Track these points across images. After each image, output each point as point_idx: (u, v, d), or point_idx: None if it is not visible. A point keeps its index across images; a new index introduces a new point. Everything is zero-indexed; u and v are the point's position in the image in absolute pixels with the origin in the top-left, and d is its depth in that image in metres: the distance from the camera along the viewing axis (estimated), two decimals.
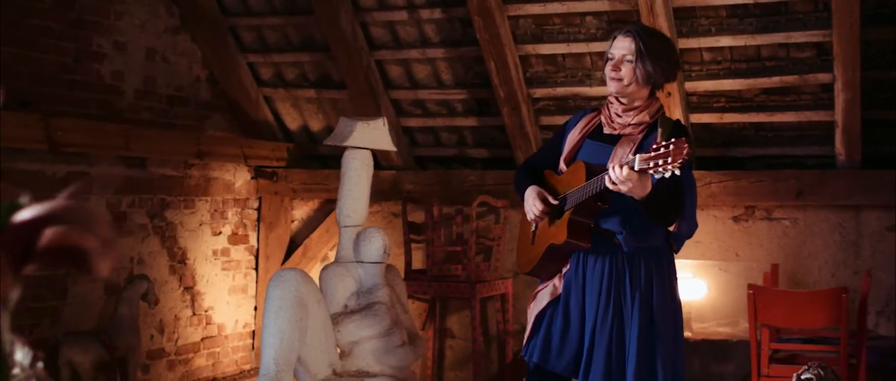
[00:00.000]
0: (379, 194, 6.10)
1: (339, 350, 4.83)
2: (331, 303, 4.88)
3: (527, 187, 3.39)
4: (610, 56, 3.28)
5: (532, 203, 3.33)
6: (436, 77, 5.92)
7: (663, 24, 4.95)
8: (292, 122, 6.49)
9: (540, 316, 3.39)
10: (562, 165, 3.39)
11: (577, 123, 3.46)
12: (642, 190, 2.99)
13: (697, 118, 5.48)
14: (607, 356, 3.26)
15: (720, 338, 5.02)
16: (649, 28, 3.69)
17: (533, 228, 3.46)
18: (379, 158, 6.18)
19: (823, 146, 5.37)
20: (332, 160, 6.40)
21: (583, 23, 5.36)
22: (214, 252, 6.12)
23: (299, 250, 6.47)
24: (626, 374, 3.25)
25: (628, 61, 3.22)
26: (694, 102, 5.47)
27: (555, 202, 3.31)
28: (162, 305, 5.68)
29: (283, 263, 6.45)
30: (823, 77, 5.08)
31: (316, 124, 6.45)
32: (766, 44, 5.10)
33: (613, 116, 3.33)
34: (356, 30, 5.68)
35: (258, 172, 6.41)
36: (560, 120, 5.75)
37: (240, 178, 6.30)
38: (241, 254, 6.35)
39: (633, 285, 3.26)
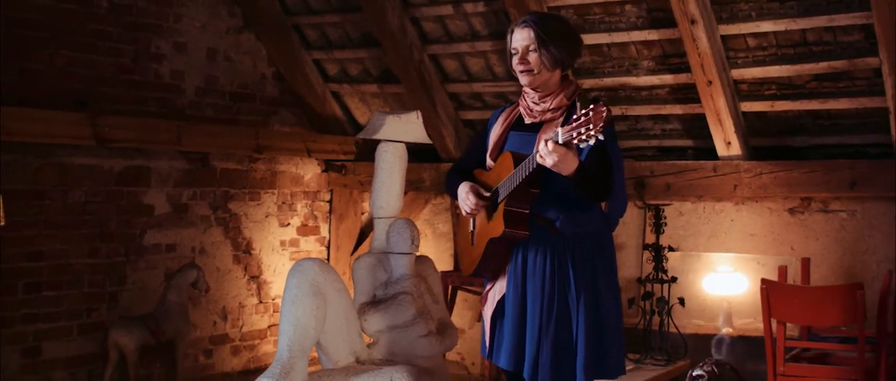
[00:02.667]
0: (439, 186, 6.19)
1: (368, 339, 4.95)
2: (360, 293, 5.01)
3: (458, 187, 3.41)
4: (513, 50, 3.29)
5: (465, 198, 3.34)
6: (489, 70, 5.95)
7: (693, 10, 4.82)
8: (361, 116, 6.66)
9: (494, 317, 3.40)
10: (489, 161, 3.40)
11: (498, 118, 3.47)
12: (570, 164, 3.00)
13: (748, 107, 5.29)
14: (555, 346, 3.24)
15: (758, 335, 4.84)
16: (542, 13, 3.67)
17: (471, 228, 3.47)
18: (440, 151, 6.28)
19: (884, 134, 5.08)
20: (420, 153, 6.50)
21: (623, 12, 5.27)
22: (282, 243, 6.36)
23: (368, 241, 6.63)
24: (577, 363, 3.23)
25: (532, 50, 3.23)
26: (744, 91, 5.28)
27: (487, 195, 3.32)
28: (225, 293, 5.96)
29: (352, 253, 6.64)
30: (874, 61, 4.81)
31: None
32: (809, 28, 4.88)
33: (531, 105, 3.33)
34: (405, 25, 5.78)
35: (329, 166, 6.61)
36: (612, 110, 5.68)
37: (309, 171, 6.52)
38: (311, 245, 6.57)
39: (577, 273, 3.24)
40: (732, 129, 5.26)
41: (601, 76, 5.58)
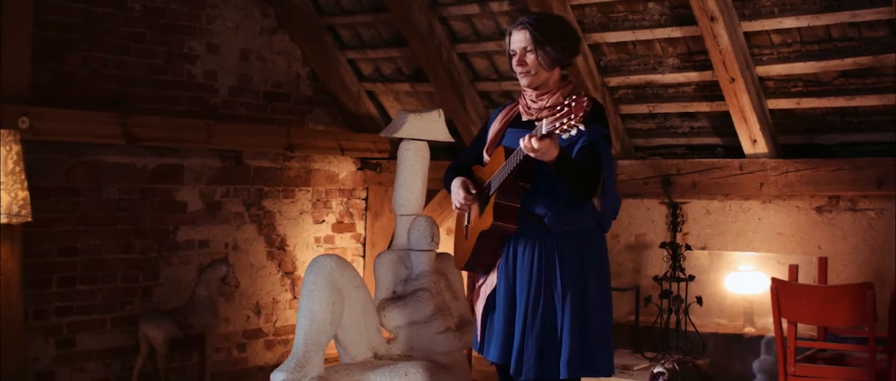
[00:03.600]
0: None
1: (388, 335, 5.02)
2: (381, 289, 5.09)
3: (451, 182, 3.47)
4: (511, 52, 3.35)
5: (456, 192, 3.40)
6: None
7: (713, 7, 4.78)
8: (396, 114, 6.73)
9: (485, 311, 3.44)
10: (485, 157, 3.45)
11: (498, 115, 3.52)
12: (551, 152, 3.05)
13: (775, 104, 5.23)
14: (540, 343, 3.27)
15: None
16: (539, 13, 3.70)
17: (466, 222, 3.52)
18: None
19: None
20: (454, 150, 6.56)
21: (646, 9, 5.24)
22: (317, 239, 6.47)
23: None
24: (559, 362, 3.25)
25: (529, 51, 3.28)
26: (771, 88, 5.22)
27: (474, 191, 3.37)
28: (259, 288, 6.09)
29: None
30: None
31: None
32: (833, 23, 4.80)
33: (529, 103, 3.39)
34: (433, 24, 5.84)
35: (364, 164, 6.70)
36: (640, 108, 5.69)
37: (344, 169, 6.62)
38: (346, 241, 6.67)
39: (563, 270, 3.27)
40: (757, 126, 5.20)
41: (627, 74, 5.56)
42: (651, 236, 5.70)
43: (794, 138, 5.38)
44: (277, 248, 6.22)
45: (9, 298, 4.72)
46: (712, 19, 4.86)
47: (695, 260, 5.42)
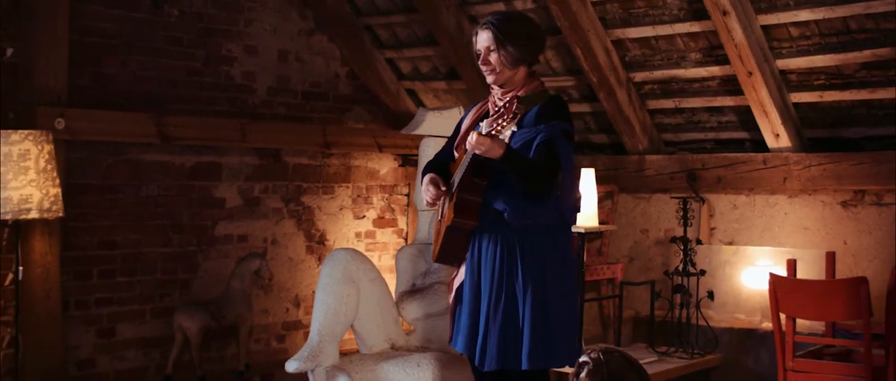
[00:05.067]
0: None
1: (408, 327, 5.15)
2: (401, 282, 5.22)
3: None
4: (476, 52, 3.44)
5: (425, 189, 3.52)
6: (547, 64, 6.03)
7: (725, 2, 4.77)
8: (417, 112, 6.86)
9: (455, 304, 3.55)
10: (455, 153, 3.55)
11: (469, 112, 3.61)
12: (496, 150, 3.20)
13: (798, 98, 5.19)
14: (502, 335, 3.37)
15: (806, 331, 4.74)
16: (505, 13, 3.78)
17: (439, 217, 3.63)
18: None
19: None
20: None
21: (665, 4, 5.25)
22: (357, 234, 6.65)
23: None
24: (521, 353, 3.34)
25: (492, 51, 3.38)
26: (794, 81, 5.18)
27: (443, 187, 3.48)
28: (298, 281, 6.30)
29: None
30: None
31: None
32: (849, 15, 4.74)
33: (496, 100, 3.49)
34: (462, 23, 5.94)
35: (405, 161, 6.85)
36: (666, 103, 5.70)
37: (384, 166, 6.78)
38: (388, 237, 6.83)
39: (524, 263, 3.35)
40: (779, 120, 5.16)
41: (651, 69, 5.57)
42: (679, 231, 5.69)
43: (819, 132, 5.32)
44: (317, 242, 6.41)
45: (47, 289, 5.01)
46: (725, 14, 4.85)
47: (721, 255, 5.40)
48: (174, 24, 5.70)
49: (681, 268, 4.90)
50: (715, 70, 5.32)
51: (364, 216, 6.69)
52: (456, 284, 3.54)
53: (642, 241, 5.91)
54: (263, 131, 5.90)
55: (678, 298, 4.91)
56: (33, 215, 4.53)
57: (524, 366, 3.32)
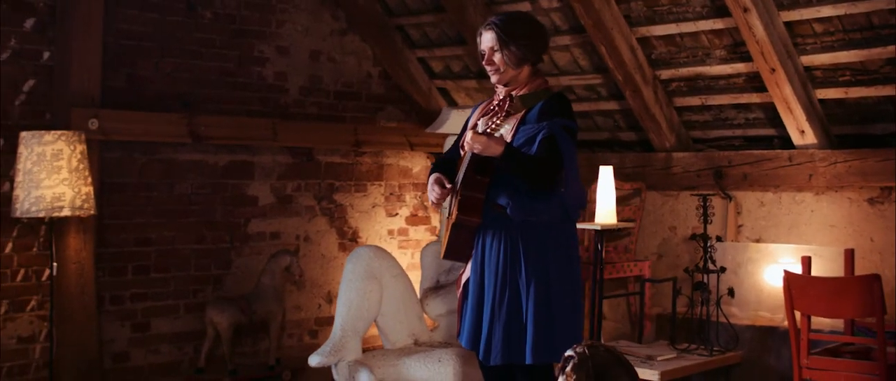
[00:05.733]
0: None
1: (432, 323, 5.23)
2: (426, 278, 5.30)
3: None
4: (481, 52, 3.50)
5: (430, 188, 3.58)
6: (575, 63, 6.06)
7: None
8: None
9: (462, 301, 3.62)
10: (461, 152, 3.61)
11: (476, 110, 3.66)
12: (495, 149, 3.31)
13: (823, 94, 5.15)
14: (506, 330, 3.42)
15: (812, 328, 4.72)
16: (509, 13, 3.80)
17: (447, 215, 3.69)
18: None
19: None
20: None
21: (688, 2, 5.25)
22: (390, 232, 6.74)
23: None
24: (525, 347, 3.39)
25: (495, 51, 3.44)
26: (819, 78, 5.15)
27: (449, 186, 3.54)
28: (330, 278, 6.40)
29: None
30: None
31: None
32: (873, 10, 4.71)
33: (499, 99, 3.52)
34: None
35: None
36: (693, 101, 5.69)
37: (417, 164, 6.86)
38: (421, 234, 6.91)
39: (528, 259, 3.40)
40: (803, 117, 5.14)
41: (677, 66, 5.57)
42: (708, 229, 5.69)
43: (846, 128, 5.28)
44: (349, 240, 6.51)
45: (82, 284, 5.18)
46: (745, 10, 4.84)
47: (744, 252, 5.39)
48: (207, 26, 5.84)
49: (701, 265, 4.90)
50: (740, 67, 5.31)
51: (397, 214, 6.77)
52: (463, 280, 3.61)
53: (670, 238, 5.91)
54: (294, 131, 6.02)
55: (698, 295, 4.91)
56: (66, 212, 4.69)
57: (528, 361, 3.37)
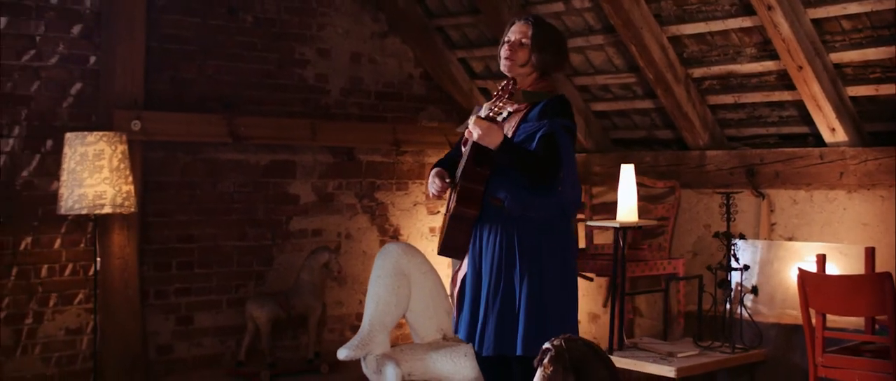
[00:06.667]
0: (582, 176, 6.45)
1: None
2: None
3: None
4: (507, 39, 3.58)
5: (431, 181, 3.69)
6: (610, 62, 6.10)
7: None
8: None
9: (459, 294, 3.72)
10: (462, 149, 3.70)
11: (479, 111, 3.75)
12: (494, 138, 3.40)
13: (854, 91, 5.12)
14: (499, 321, 3.52)
15: (836, 326, 4.70)
16: (545, 20, 3.84)
17: (445, 210, 3.79)
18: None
19: None
20: None
21: (717, 0, 5.26)
22: (432, 230, 6.86)
23: None
24: (516, 341, 3.48)
25: (523, 44, 3.52)
26: (849, 75, 5.11)
27: (448, 180, 3.64)
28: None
29: None
30: None
31: None
32: None
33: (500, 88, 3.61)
34: None
35: None
36: (726, 99, 5.70)
37: None
38: None
39: (523, 254, 3.49)
40: (833, 114, 5.11)
41: (709, 65, 5.58)
42: (741, 227, 5.68)
43: (879, 126, 5.23)
44: (391, 237, 6.65)
45: (125, 278, 5.40)
46: (769, 8, 4.84)
47: (772, 251, 5.38)
48: (248, 29, 6.03)
49: (724, 263, 4.91)
50: (770, 65, 5.30)
51: (438, 212, 6.89)
52: (460, 276, 3.70)
53: (705, 236, 5.91)
54: (333, 130, 6.18)
55: (720, 293, 4.93)
56: (107, 210, 4.91)
57: (519, 352, 3.45)
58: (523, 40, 3.60)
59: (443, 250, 3.76)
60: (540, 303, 3.46)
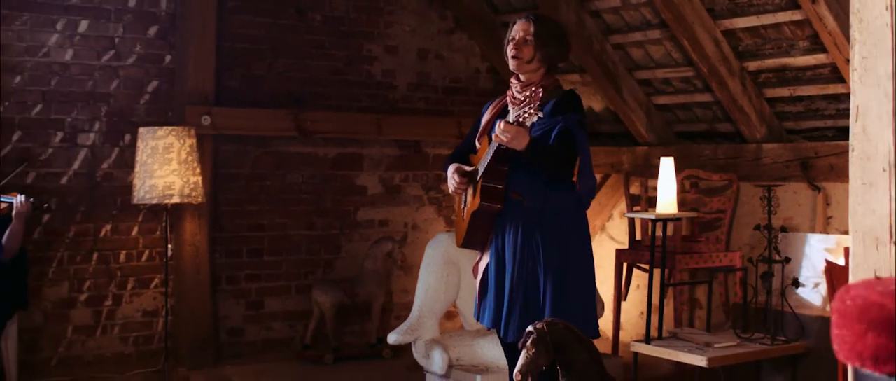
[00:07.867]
0: (637, 168, 6.53)
1: None
2: None
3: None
4: (511, 37, 3.72)
5: (451, 177, 3.86)
6: (669, 56, 6.15)
7: None
8: None
9: (482, 284, 3.89)
10: (477, 145, 3.86)
11: (489, 107, 3.91)
12: (522, 141, 3.51)
13: None
14: (523, 310, 3.67)
15: None
16: (545, 16, 3.94)
17: (462, 205, 3.96)
18: (635, 135, 6.59)
19: None
20: (619, 137, 6.87)
21: None
22: None
23: None
24: None
25: (528, 41, 3.66)
26: None
27: (469, 170, 3.81)
28: None
29: None
30: None
31: (596, 105, 7.00)
32: None
33: (515, 94, 3.76)
34: (583, 18, 6.18)
35: None
36: (783, 92, 5.70)
37: None
38: None
39: (545, 245, 3.64)
40: None
41: (763, 58, 5.60)
42: (798, 220, 5.69)
43: None
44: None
45: (197, 264, 5.75)
46: (814, 1, 4.84)
47: (820, 243, 5.37)
48: (317, 28, 6.31)
49: (766, 255, 4.94)
50: (822, 58, 5.28)
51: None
52: (482, 266, 3.87)
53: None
54: (398, 124, 6.41)
55: (762, 285, 4.96)
56: (176, 200, 5.25)
57: None
58: (527, 37, 3.73)
59: (466, 243, 3.93)
60: (563, 292, 3.61)
